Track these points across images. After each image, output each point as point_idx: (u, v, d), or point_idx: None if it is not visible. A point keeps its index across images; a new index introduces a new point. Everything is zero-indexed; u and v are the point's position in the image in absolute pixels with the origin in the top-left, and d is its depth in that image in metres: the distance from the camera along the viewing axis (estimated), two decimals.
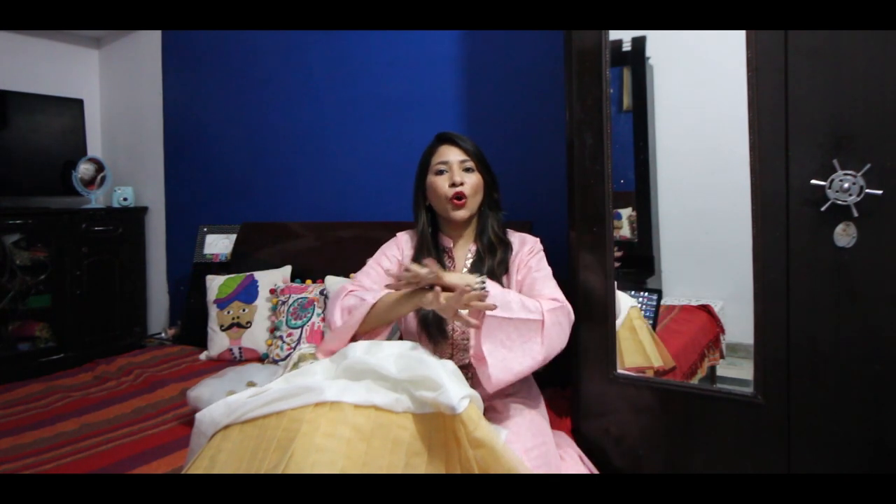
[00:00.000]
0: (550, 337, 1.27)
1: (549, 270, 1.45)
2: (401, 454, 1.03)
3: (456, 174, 1.42)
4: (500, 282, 1.43)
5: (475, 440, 1.01)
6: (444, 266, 1.48)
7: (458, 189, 1.42)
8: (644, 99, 1.56)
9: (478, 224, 1.51)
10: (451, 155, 1.44)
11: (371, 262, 1.54)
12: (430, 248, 1.49)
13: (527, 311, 1.26)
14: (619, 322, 1.52)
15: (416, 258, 1.48)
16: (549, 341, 1.27)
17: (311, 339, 2.14)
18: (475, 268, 1.46)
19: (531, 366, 1.25)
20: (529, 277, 1.42)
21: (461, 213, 1.44)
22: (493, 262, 1.44)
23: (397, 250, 1.55)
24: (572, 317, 1.35)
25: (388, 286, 1.33)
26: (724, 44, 1.31)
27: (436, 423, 1.06)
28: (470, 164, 1.45)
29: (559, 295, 1.36)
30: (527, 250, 1.47)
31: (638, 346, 1.52)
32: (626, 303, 1.55)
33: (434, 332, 1.42)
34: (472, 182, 1.44)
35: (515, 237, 1.52)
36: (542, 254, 1.49)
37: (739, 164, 1.28)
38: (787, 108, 1.22)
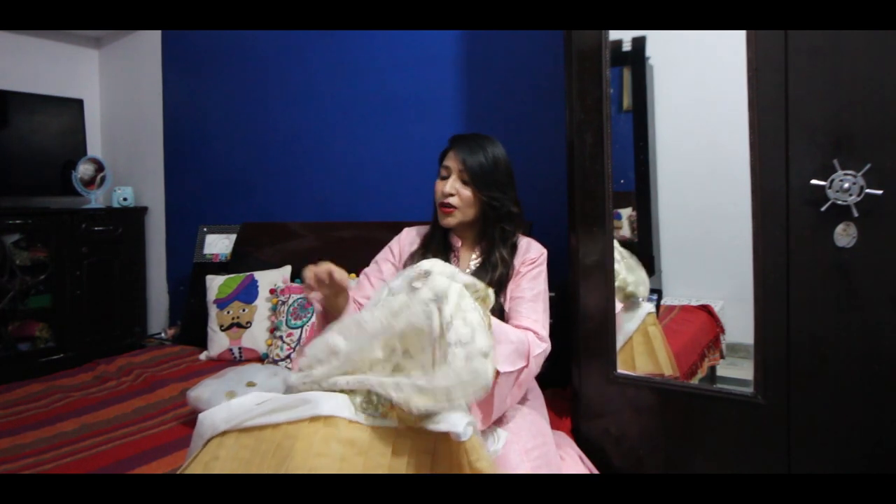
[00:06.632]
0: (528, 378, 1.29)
1: (541, 290, 1.41)
2: (400, 468, 1.02)
3: (449, 184, 1.42)
4: (496, 298, 1.36)
5: (477, 470, 0.99)
6: (449, 262, 1.48)
7: (447, 199, 1.42)
8: (644, 99, 1.55)
9: (478, 231, 1.49)
10: (454, 163, 1.44)
11: (373, 263, 1.56)
12: (439, 243, 1.50)
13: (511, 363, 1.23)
14: (633, 326, 1.52)
15: (424, 249, 1.50)
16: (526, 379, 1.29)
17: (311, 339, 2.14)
18: (479, 272, 1.45)
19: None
20: (518, 291, 1.40)
21: (447, 221, 1.44)
22: (493, 277, 1.41)
23: (396, 250, 1.55)
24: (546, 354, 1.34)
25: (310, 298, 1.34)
26: (724, 44, 1.31)
27: (434, 439, 1.05)
28: (465, 176, 1.42)
29: (541, 328, 1.34)
30: (529, 258, 1.43)
31: (650, 352, 1.52)
32: (643, 308, 1.55)
33: None
34: (463, 195, 1.42)
35: (524, 242, 1.49)
36: (543, 268, 1.45)
37: (739, 164, 1.28)
38: (787, 108, 1.22)
